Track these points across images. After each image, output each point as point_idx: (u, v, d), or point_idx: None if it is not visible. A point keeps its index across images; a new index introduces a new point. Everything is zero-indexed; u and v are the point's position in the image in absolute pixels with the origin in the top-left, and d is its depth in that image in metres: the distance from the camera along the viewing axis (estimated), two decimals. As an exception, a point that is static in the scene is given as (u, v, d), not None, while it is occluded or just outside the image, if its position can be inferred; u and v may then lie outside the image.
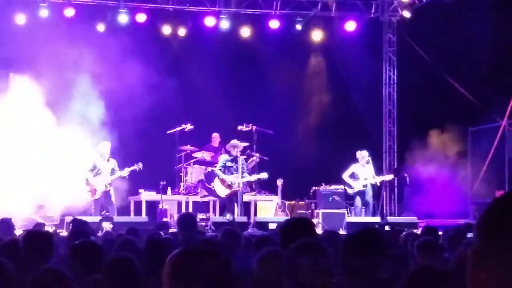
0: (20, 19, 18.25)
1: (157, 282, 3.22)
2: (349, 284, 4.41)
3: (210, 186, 17.23)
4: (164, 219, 15.61)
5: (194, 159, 18.18)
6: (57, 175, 16.07)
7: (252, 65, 19.61)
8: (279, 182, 16.97)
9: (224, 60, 19.19)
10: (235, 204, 16.25)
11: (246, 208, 17.26)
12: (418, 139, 19.07)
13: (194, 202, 17.76)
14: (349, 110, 20.11)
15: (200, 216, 16.21)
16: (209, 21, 19.49)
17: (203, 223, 15.12)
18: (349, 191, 16.90)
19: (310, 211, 17.34)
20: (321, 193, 17.32)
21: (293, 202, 17.71)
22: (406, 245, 7.70)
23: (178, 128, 17.80)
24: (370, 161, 16.84)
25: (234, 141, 16.48)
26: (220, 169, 16.36)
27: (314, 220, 15.16)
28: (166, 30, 19.62)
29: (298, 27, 19.99)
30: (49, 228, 12.55)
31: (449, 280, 3.19)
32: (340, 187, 17.19)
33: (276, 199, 17.31)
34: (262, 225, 14.55)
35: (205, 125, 18.31)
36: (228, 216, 15.38)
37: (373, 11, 20.36)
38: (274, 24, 19.84)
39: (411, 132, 19.56)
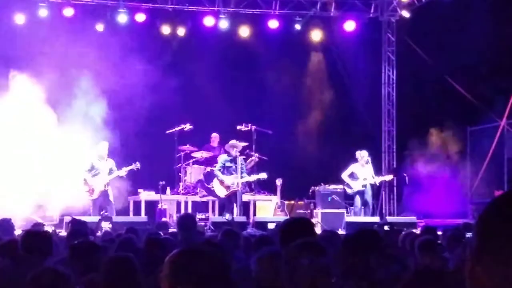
0: (20, 19, 18.25)
1: (157, 282, 3.22)
2: (348, 284, 4.41)
3: (209, 186, 17.23)
4: (163, 219, 15.61)
5: (193, 159, 18.18)
6: (57, 175, 16.08)
7: (251, 65, 19.60)
8: (278, 182, 16.96)
9: (223, 60, 19.18)
10: (234, 204, 16.25)
11: (245, 208, 17.26)
12: (417, 139, 19.08)
13: (193, 202, 17.75)
14: (348, 110, 20.11)
15: (199, 216, 16.20)
16: (208, 21, 19.49)
17: (202, 223, 15.12)
18: (348, 191, 16.90)
19: (309, 211, 17.32)
20: (320, 193, 17.32)
21: (292, 202, 17.70)
22: (405, 245, 7.70)
23: (177, 128, 17.80)
24: (370, 161, 16.85)
25: (233, 141, 16.48)
26: (219, 169, 16.36)
27: (313, 220, 15.16)
28: (166, 30, 19.61)
29: (297, 27, 19.99)
30: (48, 228, 12.54)
31: (450, 280, 3.18)
32: (339, 187, 17.19)
33: (275, 199, 17.31)
34: (261, 225, 14.54)
35: (204, 125, 18.31)
36: (227, 216, 15.38)
37: (372, 11, 20.36)
38: (273, 24, 19.84)
39: (410, 132, 19.57)
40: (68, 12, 18.55)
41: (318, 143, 19.76)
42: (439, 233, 9.61)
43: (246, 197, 17.29)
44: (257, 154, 17.77)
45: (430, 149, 19.39)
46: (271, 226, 13.83)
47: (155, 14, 19.48)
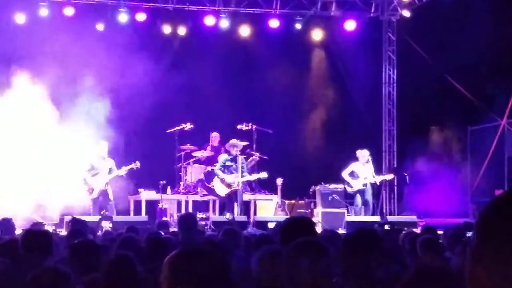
0: (20, 18, 18.25)
1: (157, 281, 3.22)
2: (348, 284, 4.41)
3: (209, 186, 17.23)
4: (164, 219, 15.60)
5: (194, 159, 18.18)
6: (57, 174, 16.08)
7: (252, 64, 19.60)
8: (279, 181, 16.96)
9: (223, 59, 19.18)
10: (235, 203, 16.25)
11: (246, 207, 17.26)
12: (417, 138, 19.08)
13: (194, 202, 17.75)
14: (348, 109, 20.12)
15: (199, 215, 16.20)
16: (209, 20, 19.49)
17: (203, 223, 15.12)
18: (349, 189, 16.89)
19: (309, 210, 17.34)
20: (320, 192, 17.32)
21: (293, 201, 17.71)
22: (405, 244, 7.70)
23: (177, 127, 17.80)
24: (370, 160, 16.84)
25: (234, 141, 16.48)
26: (220, 169, 16.36)
27: (314, 219, 15.15)
28: (166, 29, 19.62)
29: (298, 26, 19.99)
30: (48, 228, 12.53)
31: (450, 279, 3.18)
32: (339, 186, 17.19)
33: (276, 198, 17.31)
34: (262, 224, 14.54)
35: (205, 124, 18.30)
36: (228, 215, 15.38)
37: (372, 10, 20.36)
38: (273, 23, 19.83)
39: (410, 131, 19.58)
40: (69, 11, 18.55)
41: (319, 143, 19.78)
42: (440, 232, 9.61)
43: (246, 197, 17.29)
44: (257, 154, 17.77)
45: (431, 148, 19.39)
46: (271, 225, 13.80)
47: (155, 14, 19.48)
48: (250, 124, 17.66)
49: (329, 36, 20.43)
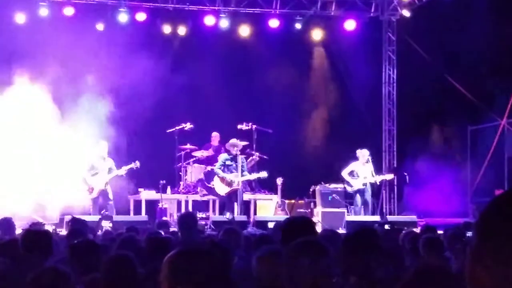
0: (20, 18, 18.26)
1: (158, 281, 3.22)
2: (348, 284, 4.41)
3: (209, 185, 17.24)
4: (164, 218, 15.60)
5: (194, 158, 18.18)
6: (57, 174, 16.08)
7: (252, 64, 19.59)
8: (279, 181, 16.96)
9: (223, 59, 19.19)
10: (235, 203, 16.25)
11: (246, 207, 17.26)
12: (417, 138, 19.08)
13: (194, 201, 17.75)
14: (348, 109, 20.11)
15: (200, 215, 16.19)
16: (209, 20, 19.49)
17: (203, 222, 15.12)
18: (349, 189, 16.89)
19: (309, 210, 17.34)
20: (320, 192, 17.33)
21: (293, 201, 17.71)
22: (405, 244, 7.70)
23: (177, 127, 17.80)
24: (370, 160, 16.83)
25: (234, 140, 16.48)
26: (220, 168, 16.36)
27: (314, 219, 15.15)
28: (166, 29, 19.62)
29: (298, 26, 19.99)
30: (48, 227, 12.53)
31: (450, 279, 3.18)
32: (339, 186, 17.19)
33: (276, 198, 17.31)
34: (262, 224, 14.53)
35: (205, 124, 18.30)
36: (228, 215, 15.38)
37: (372, 10, 20.36)
38: (273, 23, 19.83)
39: (410, 131, 19.58)
40: (69, 11, 18.55)
41: (319, 142, 19.79)
42: (440, 232, 9.60)
43: (246, 196, 17.29)
44: (257, 153, 17.77)
45: (431, 148, 19.39)
46: (271, 225, 13.79)
47: (155, 14, 19.48)
48: (250, 123, 17.66)
49: (329, 36, 20.43)
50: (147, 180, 17.41)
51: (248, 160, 17.29)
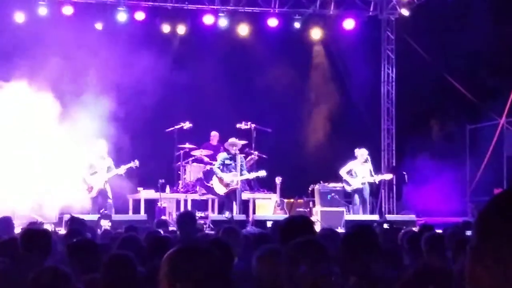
0: (19, 17, 18.26)
1: (157, 280, 3.22)
2: (348, 284, 4.42)
3: (208, 184, 17.23)
4: (163, 217, 15.59)
5: (193, 157, 18.18)
6: (56, 174, 16.06)
7: (250, 63, 19.59)
8: (278, 180, 16.96)
9: (223, 58, 19.18)
10: (234, 202, 16.25)
11: (245, 206, 17.26)
12: (416, 137, 19.08)
13: (193, 200, 17.75)
14: (347, 108, 20.10)
15: (199, 214, 16.18)
16: (208, 19, 19.48)
17: (202, 221, 15.11)
18: (347, 188, 16.88)
19: (308, 209, 17.34)
20: (319, 191, 17.32)
21: (292, 200, 17.71)
22: (404, 243, 7.70)
23: (176, 126, 17.80)
24: (369, 159, 16.83)
25: (233, 139, 16.48)
26: (219, 167, 16.36)
27: (313, 218, 15.15)
28: (165, 28, 19.61)
29: (297, 25, 19.98)
30: (47, 226, 12.52)
31: (450, 278, 3.19)
32: (338, 185, 17.19)
33: (275, 197, 17.30)
34: (261, 223, 14.52)
35: (204, 123, 18.31)
36: (227, 214, 15.37)
37: (371, 9, 20.35)
38: (272, 22, 19.82)
39: (409, 130, 19.58)
40: (68, 10, 18.54)
41: (318, 141, 19.78)
42: (439, 231, 9.60)
43: (245, 195, 17.29)
44: (256, 152, 17.77)
45: (430, 147, 19.38)
46: (270, 224, 13.79)
47: (154, 13, 19.47)
48: (249, 123, 17.66)
49: (328, 35, 20.43)
50: (146, 179, 17.41)
51: (247, 159, 17.30)
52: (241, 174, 16.24)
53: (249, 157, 17.61)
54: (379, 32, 20.66)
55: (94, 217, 14.60)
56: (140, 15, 19.09)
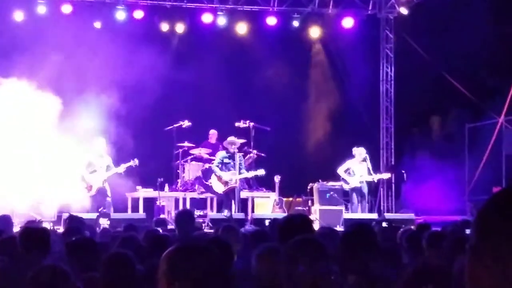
0: (18, 16, 18.25)
1: (156, 278, 3.22)
2: (345, 281, 4.42)
3: (207, 183, 17.23)
4: (162, 216, 15.59)
5: (192, 156, 18.18)
6: (56, 172, 16.05)
7: (249, 62, 19.58)
8: (277, 178, 16.97)
9: (221, 57, 19.17)
10: (233, 201, 16.24)
11: (244, 204, 17.25)
12: (415, 136, 19.08)
13: (192, 199, 17.75)
14: (346, 106, 20.10)
15: (197, 212, 16.19)
16: (207, 18, 19.47)
17: (201, 220, 15.11)
18: (345, 186, 16.88)
19: (307, 208, 17.33)
20: (318, 189, 17.32)
21: (291, 198, 17.71)
22: (402, 241, 7.70)
23: (175, 125, 17.80)
24: (367, 158, 16.83)
25: (231, 138, 16.48)
26: (217, 166, 16.36)
27: (311, 217, 15.15)
28: (164, 27, 19.60)
29: (295, 23, 19.98)
30: (46, 225, 12.52)
31: (450, 278, 3.19)
32: (337, 184, 17.18)
33: (274, 196, 17.31)
34: (260, 221, 14.51)
35: (203, 122, 18.31)
36: (226, 213, 15.38)
37: (370, 7, 20.34)
38: (271, 20, 19.82)
39: (408, 129, 19.58)
40: (66, 9, 18.53)
41: (316, 140, 19.78)
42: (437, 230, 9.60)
43: (244, 194, 17.29)
44: (255, 151, 17.78)
45: (428, 145, 19.38)
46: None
47: (153, 11, 19.47)
48: (247, 121, 17.66)
49: (327, 34, 20.42)
50: (145, 177, 17.41)
51: (245, 158, 17.30)
52: (239, 173, 16.24)
53: (248, 156, 17.62)
54: (378, 30, 20.66)
55: (93, 215, 14.59)
56: (139, 14, 19.09)
